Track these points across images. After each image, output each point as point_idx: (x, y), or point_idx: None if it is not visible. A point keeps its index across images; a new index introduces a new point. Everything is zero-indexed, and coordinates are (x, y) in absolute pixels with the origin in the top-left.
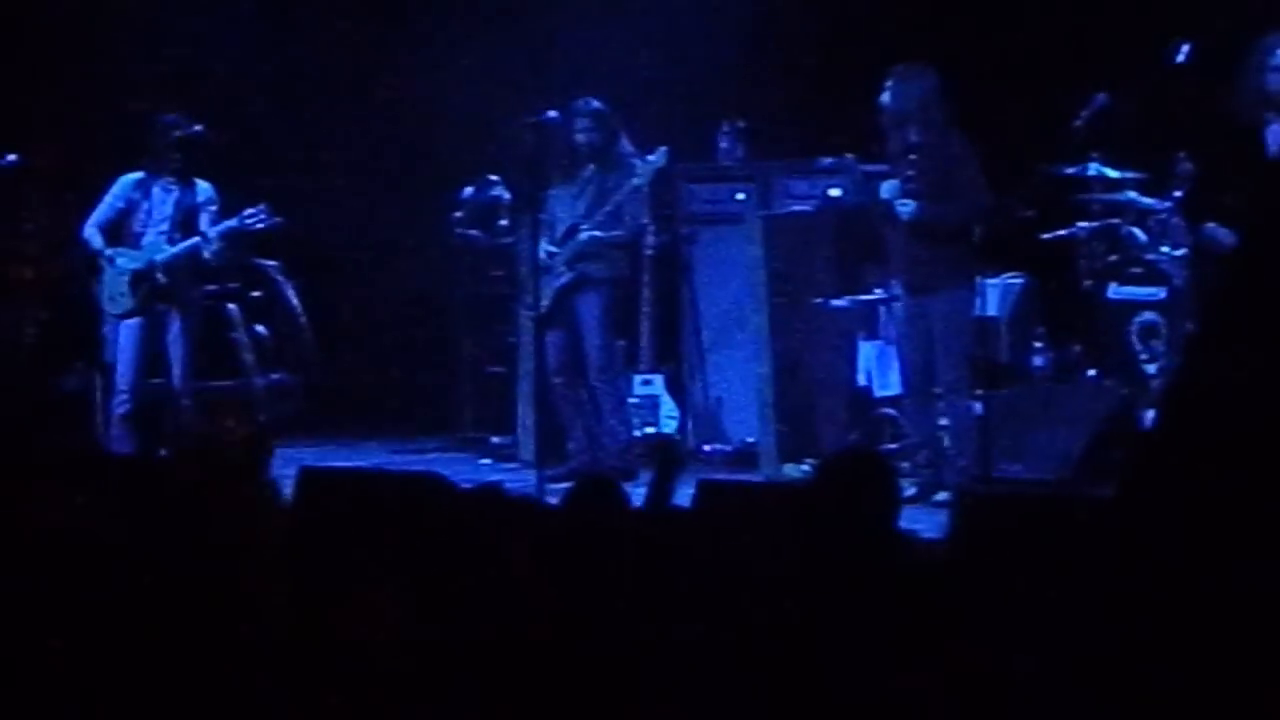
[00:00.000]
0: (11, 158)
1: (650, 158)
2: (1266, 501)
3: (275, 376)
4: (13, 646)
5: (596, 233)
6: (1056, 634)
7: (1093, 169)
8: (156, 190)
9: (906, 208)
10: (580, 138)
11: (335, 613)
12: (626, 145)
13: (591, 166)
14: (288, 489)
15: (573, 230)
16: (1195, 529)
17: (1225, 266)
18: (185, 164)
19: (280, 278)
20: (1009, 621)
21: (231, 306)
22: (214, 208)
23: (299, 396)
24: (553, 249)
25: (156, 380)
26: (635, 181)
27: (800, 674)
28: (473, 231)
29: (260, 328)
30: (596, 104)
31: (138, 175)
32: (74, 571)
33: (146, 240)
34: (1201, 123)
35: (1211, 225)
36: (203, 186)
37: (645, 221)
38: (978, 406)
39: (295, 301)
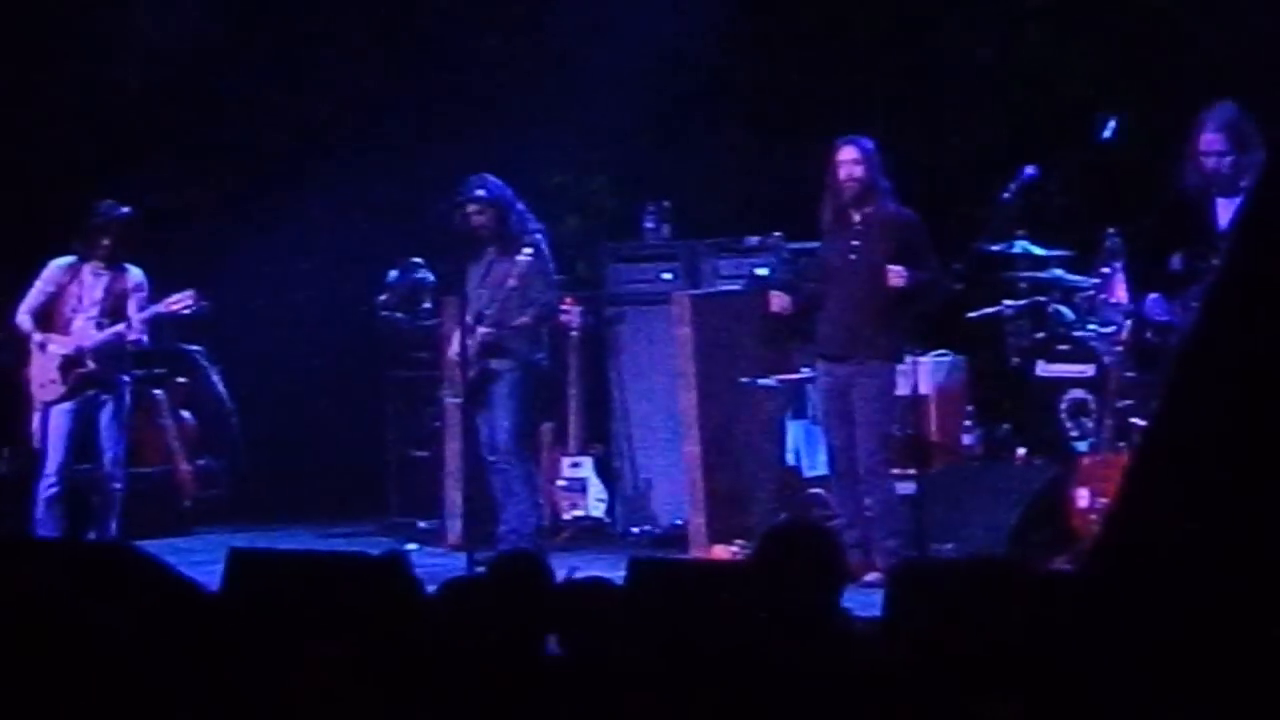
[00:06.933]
0: None
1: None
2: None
3: (201, 462)
4: None
5: (491, 329)
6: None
7: (1019, 246)
8: (87, 274)
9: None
10: (474, 220)
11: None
12: (524, 223)
13: (491, 249)
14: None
15: (477, 319)
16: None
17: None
18: (115, 248)
19: (205, 363)
20: (945, 691)
21: (157, 392)
22: (143, 293)
23: (225, 482)
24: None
25: (84, 466)
26: (522, 261)
27: None
28: (397, 314)
29: (186, 413)
30: (480, 188)
31: (69, 259)
32: None
33: (76, 325)
34: (1149, 195)
35: (1154, 296)
36: (133, 271)
37: (553, 300)
38: (901, 485)
39: (221, 387)
